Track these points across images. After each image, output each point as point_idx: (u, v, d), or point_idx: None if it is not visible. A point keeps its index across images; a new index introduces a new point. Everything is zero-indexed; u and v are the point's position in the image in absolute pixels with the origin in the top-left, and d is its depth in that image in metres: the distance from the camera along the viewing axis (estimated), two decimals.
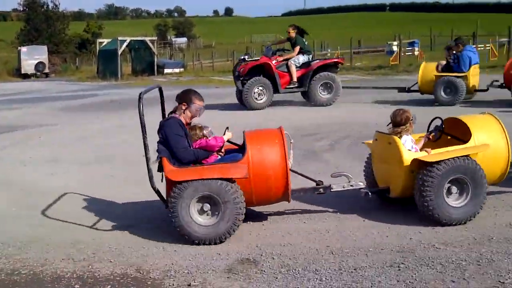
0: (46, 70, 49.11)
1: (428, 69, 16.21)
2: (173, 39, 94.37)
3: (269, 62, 16.65)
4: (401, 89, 17.59)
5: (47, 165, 10.87)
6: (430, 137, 7.25)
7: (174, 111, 6.72)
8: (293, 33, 17.12)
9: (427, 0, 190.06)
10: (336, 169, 8.80)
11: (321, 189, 6.95)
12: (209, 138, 6.68)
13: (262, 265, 5.55)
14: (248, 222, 6.79)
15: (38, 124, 16.21)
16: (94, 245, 6.29)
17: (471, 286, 4.90)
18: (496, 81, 16.11)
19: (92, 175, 9.92)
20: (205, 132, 6.80)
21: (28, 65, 48.08)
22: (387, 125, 7.08)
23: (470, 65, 15.35)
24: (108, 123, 16.10)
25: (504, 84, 15.77)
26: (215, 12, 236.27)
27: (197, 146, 6.59)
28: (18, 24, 76.99)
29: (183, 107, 6.64)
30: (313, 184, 7.00)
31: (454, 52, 15.75)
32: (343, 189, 7.00)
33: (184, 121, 6.61)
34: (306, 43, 17.48)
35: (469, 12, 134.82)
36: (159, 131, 6.49)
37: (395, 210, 7.07)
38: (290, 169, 6.50)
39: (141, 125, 6.21)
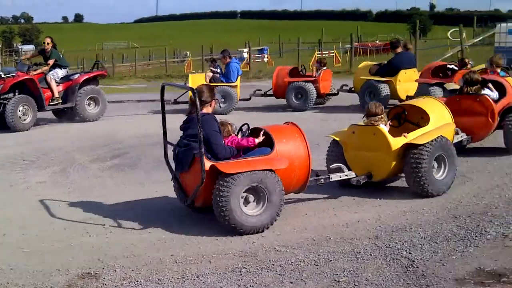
0: None
1: (196, 81, 16.48)
2: (20, 47, 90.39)
3: (33, 78, 15.04)
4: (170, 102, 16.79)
5: None
6: (391, 123, 8.06)
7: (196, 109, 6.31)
8: (49, 46, 15.78)
9: (276, 8, 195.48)
10: None
11: (322, 180, 7.42)
12: (241, 139, 6.90)
13: (104, 278, 5.44)
14: (91, 235, 6.66)
15: None
16: None
17: (308, 286, 5.08)
18: (259, 90, 17.89)
19: None
20: (233, 128, 7.19)
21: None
22: (363, 117, 7.89)
23: (237, 76, 16.55)
24: None
25: (267, 92, 17.52)
26: (64, 18, 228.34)
27: (229, 143, 6.82)
28: None
29: (214, 103, 6.88)
30: (313, 175, 7.38)
31: (217, 64, 17.31)
32: (339, 179, 7.62)
33: None
34: (62, 56, 16.45)
35: (316, 20, 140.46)
36: (189, 128, 6.67)
37: None
38: None
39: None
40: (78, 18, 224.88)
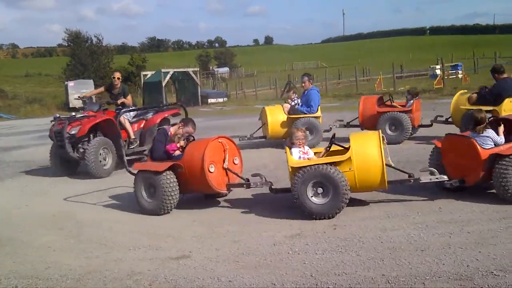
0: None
1: (273, 113, 15.82)
2: (215, 69, 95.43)
3: (112, 118, 13.60)
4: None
5: (96, 199, 11.10)
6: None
7: None
8: (119, 81, 14.48)
9: (467, 22, 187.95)
10: None
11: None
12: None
13: None
14: (299, 252, 6.81)
15: None
16: (150, 276, 6.36)
17: None
18: (341, 120, 16.68)
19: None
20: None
21: (75, 98, 49.35)
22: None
23: (318, 105, 15.57)
24: None
25: (350, 123, 16.46)
26: (255, 41, 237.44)
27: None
28: (63, 59, 79.14)
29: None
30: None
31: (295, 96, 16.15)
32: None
33: None
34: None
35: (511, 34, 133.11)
36: None
37: None
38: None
39: None
40: (268, 40, 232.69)
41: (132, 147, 13.99)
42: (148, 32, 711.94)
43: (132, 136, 14.01)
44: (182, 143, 9.81)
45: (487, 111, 13.06)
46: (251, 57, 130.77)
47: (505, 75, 13.41)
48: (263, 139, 16.05)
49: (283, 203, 9.39)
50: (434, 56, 63.52)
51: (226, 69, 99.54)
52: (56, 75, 77.39)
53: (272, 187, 9.09)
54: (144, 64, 76.62)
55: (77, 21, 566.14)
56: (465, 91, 15.82)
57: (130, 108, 14.03)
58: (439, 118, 15.67)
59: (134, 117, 14.43)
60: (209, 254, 7.03)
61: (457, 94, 15.24)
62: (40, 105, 51.83)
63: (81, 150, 13.34)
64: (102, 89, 15.33)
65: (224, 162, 9.46)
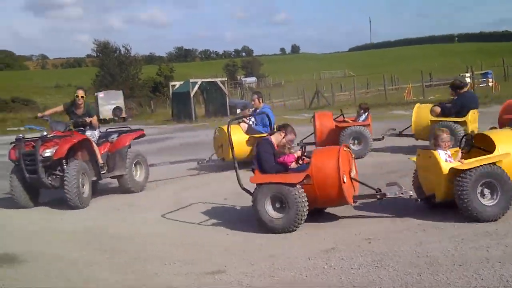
0: (124, 115, 50.58)
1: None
2: (243, 79, 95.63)
3: (89, 138, 12.29)
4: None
5: (125, 213, 11.19)
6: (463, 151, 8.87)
7: None
8: (82, 100, 12.61)
9: (496, 29, 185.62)
10: None
11: (378, 196, 8.74)
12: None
13: None
14: (335, 267, 6.76)
15: None
16: None
17: None
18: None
19: (179, 220, 10.07)
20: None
21: (105, 110, 49.85)
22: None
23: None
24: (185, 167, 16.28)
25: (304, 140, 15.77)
26: (282, 50, 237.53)
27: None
28: (92, 69, 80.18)
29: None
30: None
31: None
32: (394, 196, 8.67)
33: None
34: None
35: None
36: None
37: None
38: None
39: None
40: (295, 49, 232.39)
41: (102, 172, 12.38)
42: (175, 42, 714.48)
43: (101, 161, 12.37)
44: (298, 153, 9.24)
45: (456, 123, 13.87)
46: (278, 66, 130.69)
47: (464, 89, 14.45)
48: (222, 161, 15.22)
49: (312, 215, 9.35)
50: (463, 64, 62.96)
51: (253, 79, 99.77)
52: (86, 87, 78.18)
53: (413, 196, 8.72)
54: (172, 74, 77.25)
55: (104, 31, 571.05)
56: (419, 104, 15.99)
57: (110, 130, 13.29)
58: (392, 132, 15.99)
59: (98, 139, 12.85)
60: (244, 268, 7.00)
61: (416, 107, 15.46)
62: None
63: (54, 176, 11.65)
64: (61, 107, 13.25)
65: (350, 172, 8.91)
